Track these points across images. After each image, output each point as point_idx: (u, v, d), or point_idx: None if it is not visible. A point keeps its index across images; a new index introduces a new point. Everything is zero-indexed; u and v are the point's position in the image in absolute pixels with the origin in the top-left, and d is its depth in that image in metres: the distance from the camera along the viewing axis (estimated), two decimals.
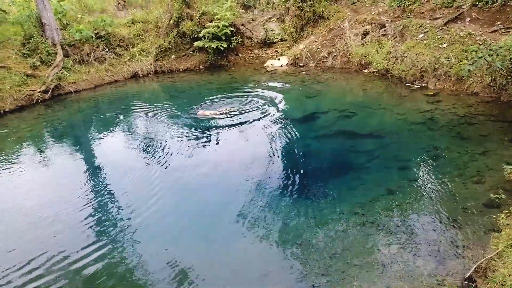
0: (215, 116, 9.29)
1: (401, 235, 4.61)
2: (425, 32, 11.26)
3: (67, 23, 14.70)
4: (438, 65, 9.92)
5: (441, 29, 10.95)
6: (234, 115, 9.26)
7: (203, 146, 7.70)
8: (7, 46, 13.19)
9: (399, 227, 4.79)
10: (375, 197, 5.44)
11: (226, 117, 9.17)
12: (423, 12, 12.08)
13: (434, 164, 6.23)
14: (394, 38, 11.98)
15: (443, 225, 4.71)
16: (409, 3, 12.53)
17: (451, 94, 9.29)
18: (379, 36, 12.49)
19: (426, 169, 6.10)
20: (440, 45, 10.45)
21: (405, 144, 7.13)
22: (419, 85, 10.17)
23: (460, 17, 10.95)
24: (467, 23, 10.68)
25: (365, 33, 12.88)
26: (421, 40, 11.06)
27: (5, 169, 7.57)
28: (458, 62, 9.49)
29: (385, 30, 12.51)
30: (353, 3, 14.92)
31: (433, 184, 5.65)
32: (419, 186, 5.62)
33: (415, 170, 6.14)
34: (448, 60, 9.79)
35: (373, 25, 12.94)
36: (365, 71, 12.06)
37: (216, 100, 10.71)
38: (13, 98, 11.59)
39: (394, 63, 11.12)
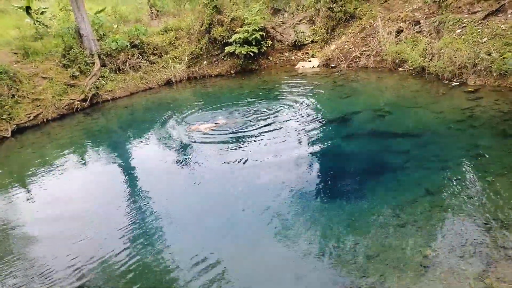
0: (210, 130, 8.88)
1: (443, 237, 4.40)
2: (463, 27, 10.80)
3: (103, 34, 15.27)
4: (478, 60, 9.46)
5: (480, 23, 10.46)
6: (237, 127, 8.90)
7: (234, 149, 7.71)
8: (49, 58, 13.85)
9: (441, 228, 4.57)
10: (414, 198, 5.23)
11: (223, 130, 8.83)
12: (460, 7, 11.60)
13: (477, 163, 5.93)
14: (430, 35, 11.57)
15: (489, 226, 4.45)
16: None
17: (493, 90, 8.83)
18: (413, 34, 12.10)
19: (468, 169, 5.80)
20: (479, 40, 9.98)
21: (444, 143, 6.82)
22: (457, 82, 9.74)
23: (501, 9, 10.41)
24: (509, 16, 10.15)
25: (399, 31, 12.52)
26: (459, 36, 10.61)
27: (47, 173, 7.91)
28: (501, 56, 9.03)
29: (420, 27, 12.11)
30: (386, 0, 14.55)
31: (476, 184, 5.36)
32: (461, 186, 5.35)
33: (456, 169, 5.85)
34: (489, 55, 9.32)
35: (407, 22, 12.56)
36: (400, 69, 11.71)
37: (243, 105, 10.73)
38: (54, 107, 12.15)
39: (430, 60, 10.72)
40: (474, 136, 6.84)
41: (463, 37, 10.41)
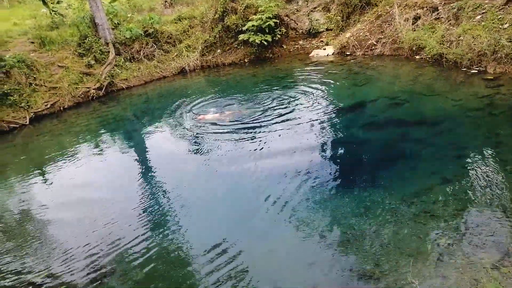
0: (217, 120, 8.87)
1: (459, 226, 4.34)
2: (483, 13, 10.48)
3: (118, 23, 15.34)
4: (498, 47, 9.18)
5: (502, 8, 10.12)
6: (249, 116, 8.82)
7: (249, 138, 7.71)
8: (65, 47, 14.01)
9: (456, 217, 4.50)
10: (430, 186, 5.15)
11: (233, 120, 8.81)
12: None
13: (495, 151, 5.79)
14: (448, 21, 11.27)
15: (506, 215, 4.36)
16: None
17: None
18: (431, 20, 11.79)
19: (486, 157, 5.68)
20: (500, 26, 9.67)
21: (462, 131, 6.69)
22: (476, 69, 9.49)
23: None
24: None
25: (416, 18, 12.23)
26: (479, 22, 10.30)
27: (64, 160, 8.06)
28: None
29: (438, 14, 11.80)
30: None
31: (494, 172, 5.24)
32: (478, 175, 5.24)
33: (474, 157, 5.73)
34: (510, 42, 9.03)
35: (425, 9, 12.25)
36: (417, 57, 11.46)
37: (257, 94, 10.68)
38: (71, 95, 12.33)
39: (449, 47, 10.46)
40: (493, 124, 6.68)
41: (483, 23, 10.10)
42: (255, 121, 8.46)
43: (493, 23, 9.84)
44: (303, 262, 4.26)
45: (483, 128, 6.62)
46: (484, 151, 5.85)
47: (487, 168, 5.36)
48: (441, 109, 7.64)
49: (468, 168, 5.45)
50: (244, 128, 8.18)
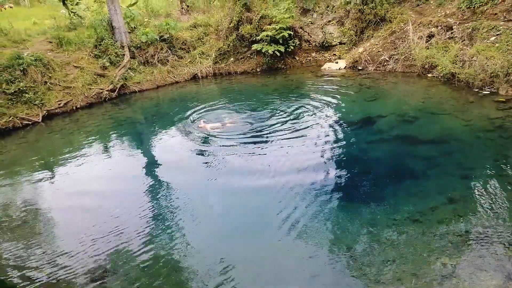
0: (217, 129, 8.92)
1: (463, 247, 4.31)
2: (497, 34, 10.48)
3: (134, 27, 15.61)
4: (511, 69, 9.17)
5: None
6: (244, 129, 8.84)
7: (254, 150, 7.76)
8: (82, 48, 14.27)
9: (461, 238, 4.48)
10: (436, 206, 5.14)
11: (230, 129, 8.90)
12: (496, 14, 11.25)
13: (504, 174, 5.76)
14: (462, 41, 11.27)
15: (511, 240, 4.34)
16: (480, 3, 11.72)
17: None
18: (445, 39, 11.82)
19: (494, 179, 5.64)
20: None
21: (471, 151, 6.67)
22: (488, 91, 9.47)
23: None
24: None
25: (430, 36, 12.26)
26: (493, 43, 10.30)
27: (73, 160, 8.16)
28: None
29: (452, 33, 11.82)
30: (418, 5, 14.28)
31: (502, 195, 5.21)
32: (486, 197, 5.21)
33: (482, 179, 5.70)
34: None
35: (439, 27, 12.28)
36: (429, 75, 11.47)
37: (266, 104, 10.75)
38: (84, 96, 12.53)
39: (461, 67, 10.45)
40: (503, 146, 6.65)
41: (497, 44, 10.10)
42: (263, 133, 8.51)
43: (507, 44, 9.83)
44: (307, 274, 4.26)
45: (492, 150, 6.59)
46: (492, 174, 5.82)
47: (494, 190, 5.33)
48: (451, 128, 7.63)
49: (475, 189, 5.43)
50: (252, 140, 8.21)
